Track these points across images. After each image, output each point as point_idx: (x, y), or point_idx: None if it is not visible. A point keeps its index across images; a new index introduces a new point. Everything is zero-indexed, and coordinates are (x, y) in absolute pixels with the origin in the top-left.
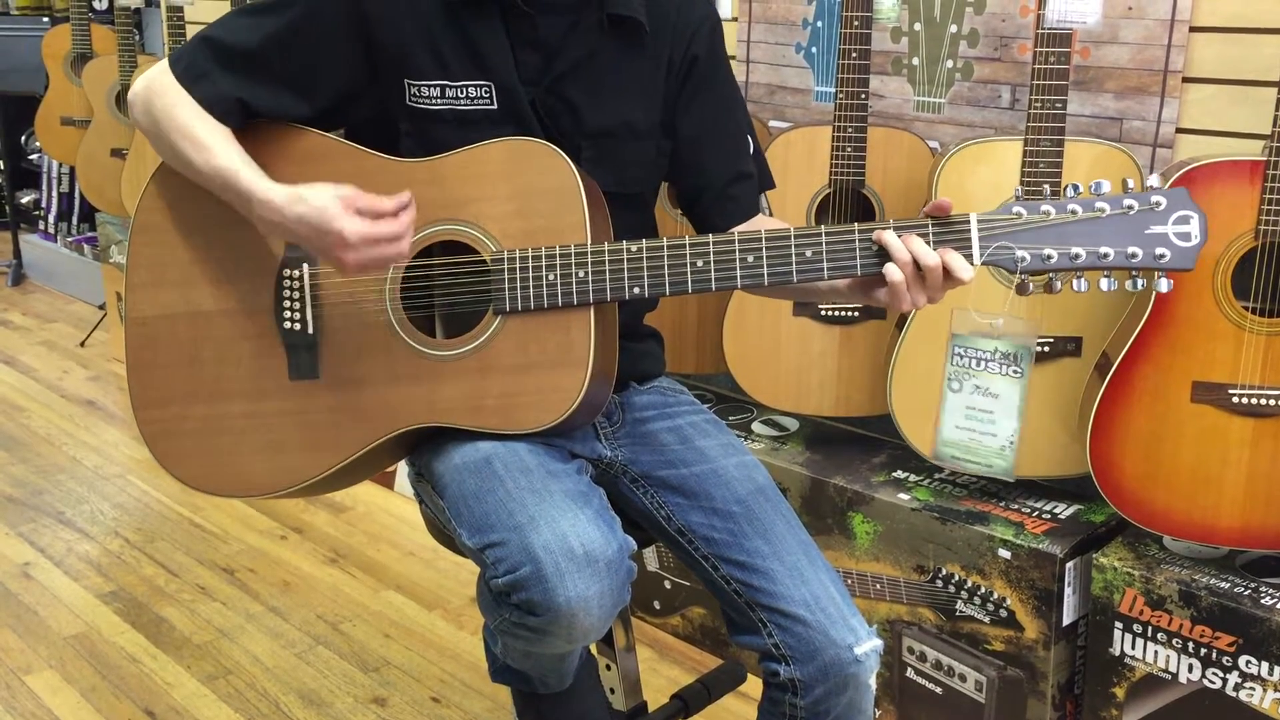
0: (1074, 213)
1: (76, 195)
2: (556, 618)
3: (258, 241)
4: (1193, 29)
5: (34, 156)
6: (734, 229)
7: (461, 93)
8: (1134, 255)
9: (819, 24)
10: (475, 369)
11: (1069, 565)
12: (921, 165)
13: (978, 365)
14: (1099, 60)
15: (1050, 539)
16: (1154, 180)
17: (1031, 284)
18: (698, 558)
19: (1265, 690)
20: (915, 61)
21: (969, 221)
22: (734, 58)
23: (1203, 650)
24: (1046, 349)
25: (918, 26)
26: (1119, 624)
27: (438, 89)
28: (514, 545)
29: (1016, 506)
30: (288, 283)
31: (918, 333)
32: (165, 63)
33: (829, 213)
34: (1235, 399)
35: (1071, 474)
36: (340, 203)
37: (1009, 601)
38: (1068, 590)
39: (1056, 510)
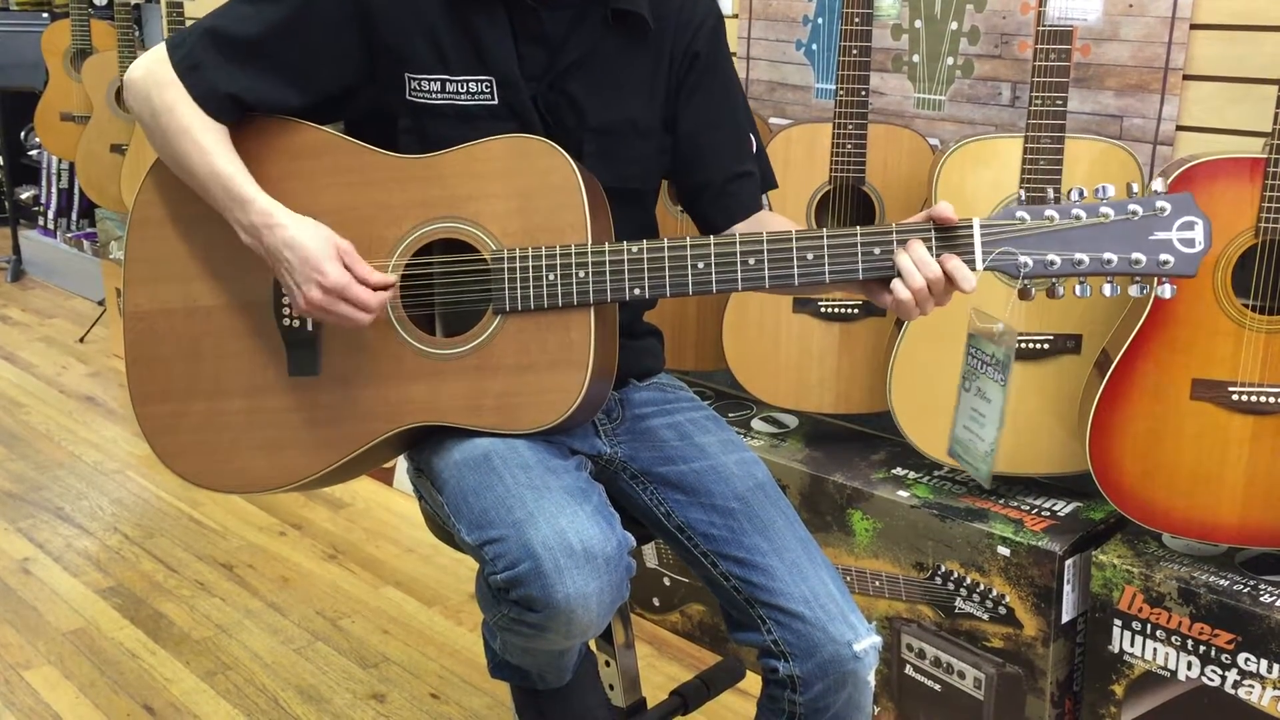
0: (1078, 218)
1: (76, 191)
2: (555, 614)
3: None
4: (1193, 26)
5: (33, 152)
6: (735, 227)
7: (462, 87)
8: (1137, 261)
9: (819, 21)
10: (475, 368)
11: (1068, 562)
12: (922, 162)
13: (982, 368)
14: (1099, 57)
15: (1049, 536)
16: (1158, 185)
17: (1034, 288)
18: (697, 554)
19: (1264, 688)
20: (916, 59)
21: (972, 226)
22: (734, 55)
23: (1202, 648)
24: (1046, 346)
25: (918, 24)
26: (1118, 621)
27: (438, 83)
28: (513, 541)
29: (1016, 504)
30: None
31: (918, 330)
32: (163, 49)
33: (829, 210)
34: (1235, 397)
35: (1071, 471)
36: (336, 249)
37: (1008, 599)
38: (1067, 587)
39: (1056, 507)
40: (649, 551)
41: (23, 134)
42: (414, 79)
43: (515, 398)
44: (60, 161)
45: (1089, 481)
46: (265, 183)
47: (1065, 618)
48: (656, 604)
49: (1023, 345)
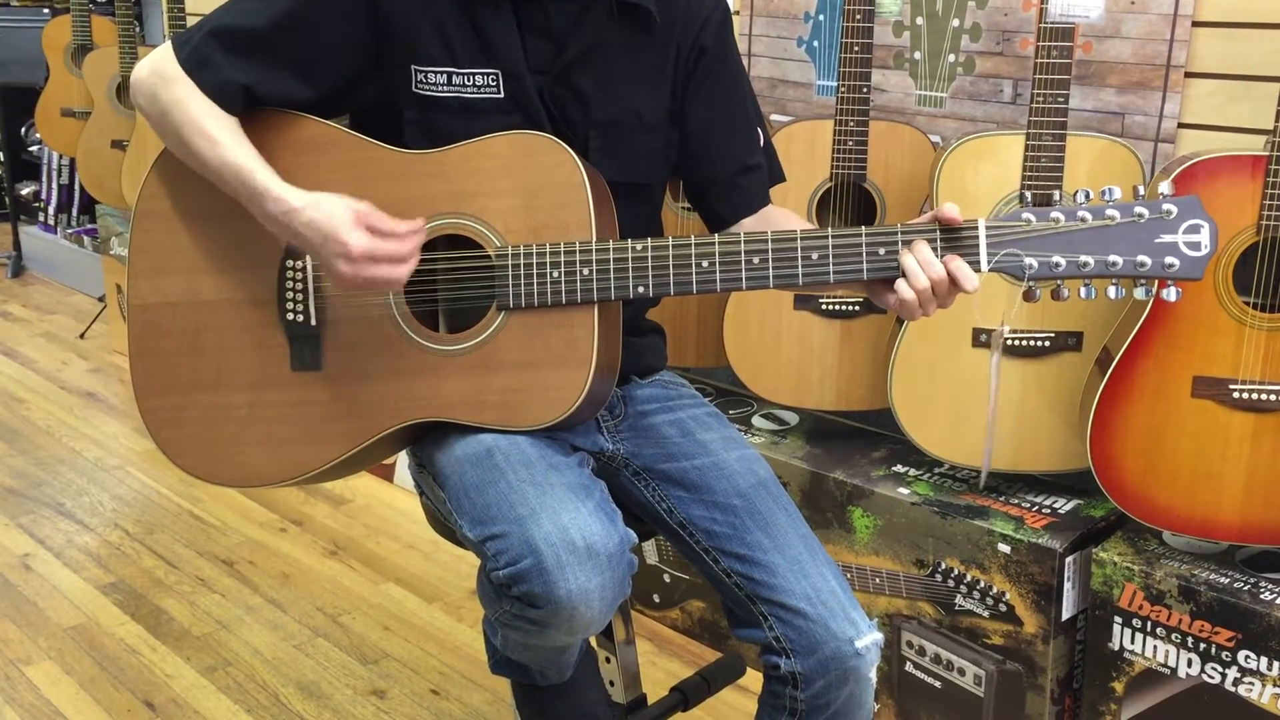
0: (1084, 220)
1: (76, 187)
2: (557, 610)
3: (261, 231)
4: (1195, 23)
5: (34, 148)
6: (743, 222)
7: (468, 80)
8: (1143, 264)
9: (821, 18)
10: (478, 364)
11: (1068, 560)
12: (923, 160)
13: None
14: (1101, 55)
15: (1050, 534)
16: (1165, 186)
17: (1038, 290)
18: (699, 551)
19: (1264, 685)
20: (917, 56)
21: (977, 228)
22: None
23: (1202, 645)
24: (1047, 344)
25: (920, 21)
26: (1118, 619)
27: (444, 76)
28: (515, 537)
29: (1016, 501)
30: (290, 273)
31: (918, 328)
32: (169, 47)
33: (830, 207)
34: (1236, 394)
35: (1071, 469)
36: (353, 215)
37: (1008, 596)
38: (1067, 585)
39: (1056, 505)
40: (649, 548)
41: (23, 129)
42: (420, 71)
43: (518, 394)
44: (61, 157)
45: (1089, 479)
46: None
47: (1065, 615)
48: (657, 600)
49: (1024, 343)
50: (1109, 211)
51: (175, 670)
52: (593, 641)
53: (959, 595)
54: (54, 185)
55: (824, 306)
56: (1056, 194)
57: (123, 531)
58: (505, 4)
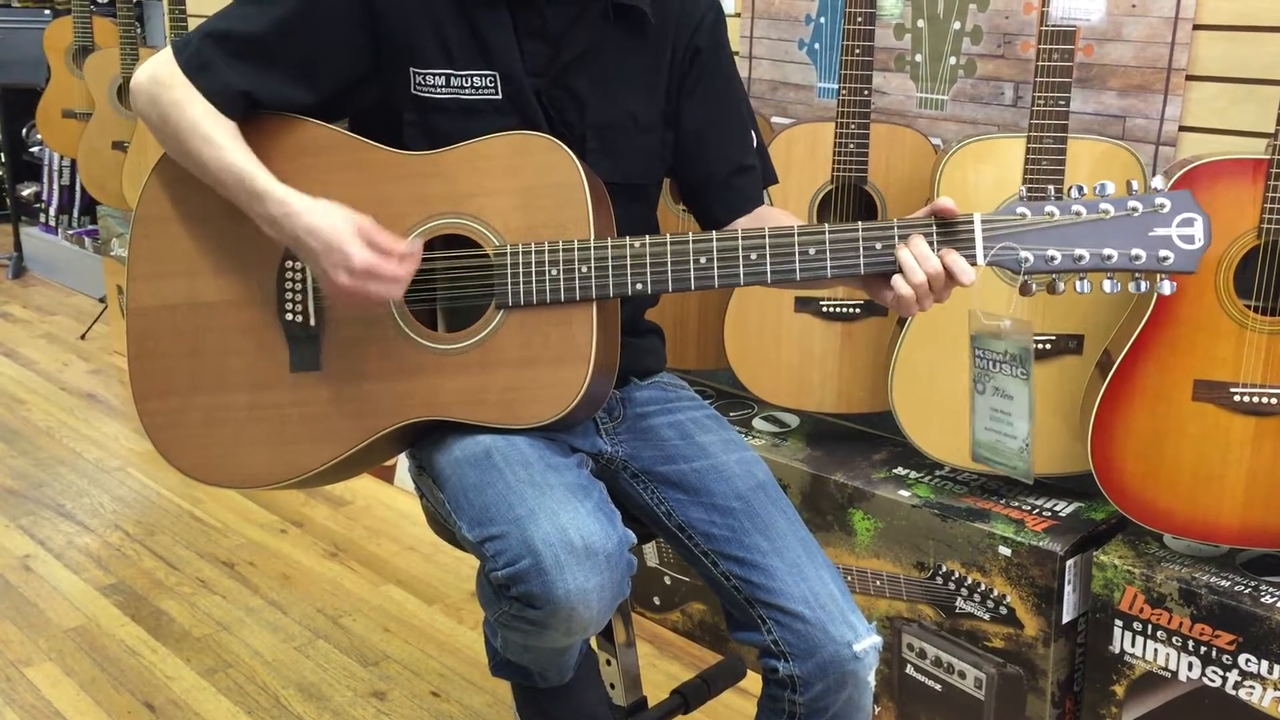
0: (1078, 214)
1: (77, 188)
2: (556, 610)
3: (260, 233)
4: (1196, 26)
5: (35, 149)
6: (737, 221)
7: (466, 82)
8: (1137, 257)
9: (822, 20)
10: (477, 363)
11: (1069, 563)
12: (924, 162)
13: (995, 367)
14: (1102, 58)
15: (1050, 536)
16: (1158, 182)
17: (1034, 284)
18: (697, 554)
19: (1265, 689)
20: (918, 58)
21: (973, 222)
22: (737, 53)
23: (1202, 648)
24: (1048, 346)
25: (921, 23)
26: (1119, 622)
27: (443, 78)
28: (514, 538)
29: (1017, 504)
30: (290, 274)
31: (919, 330)
32: (169, 52)
33: (831, 209)
34: (1237, 398)
35: (1072, 471)
36: (355, 228)
37: (1009, 599)
38: (1068, 588)
39: (1057, 508)
40: (649, 550)
41: (24, 131)
42: (419, 74)
43: (517, 392)
44: (62, 158)
45: (1090, 482)
46: None
47: (1066, 618)
48: (657, 603)
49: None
50: (1103, 205)
51: (175, 672)
52: (593, 644)
53: (959, 598)
54: (55, 186)
55: (825, 309)
56: (1051, 189)
57: (123, 533)
58: (501, 7)
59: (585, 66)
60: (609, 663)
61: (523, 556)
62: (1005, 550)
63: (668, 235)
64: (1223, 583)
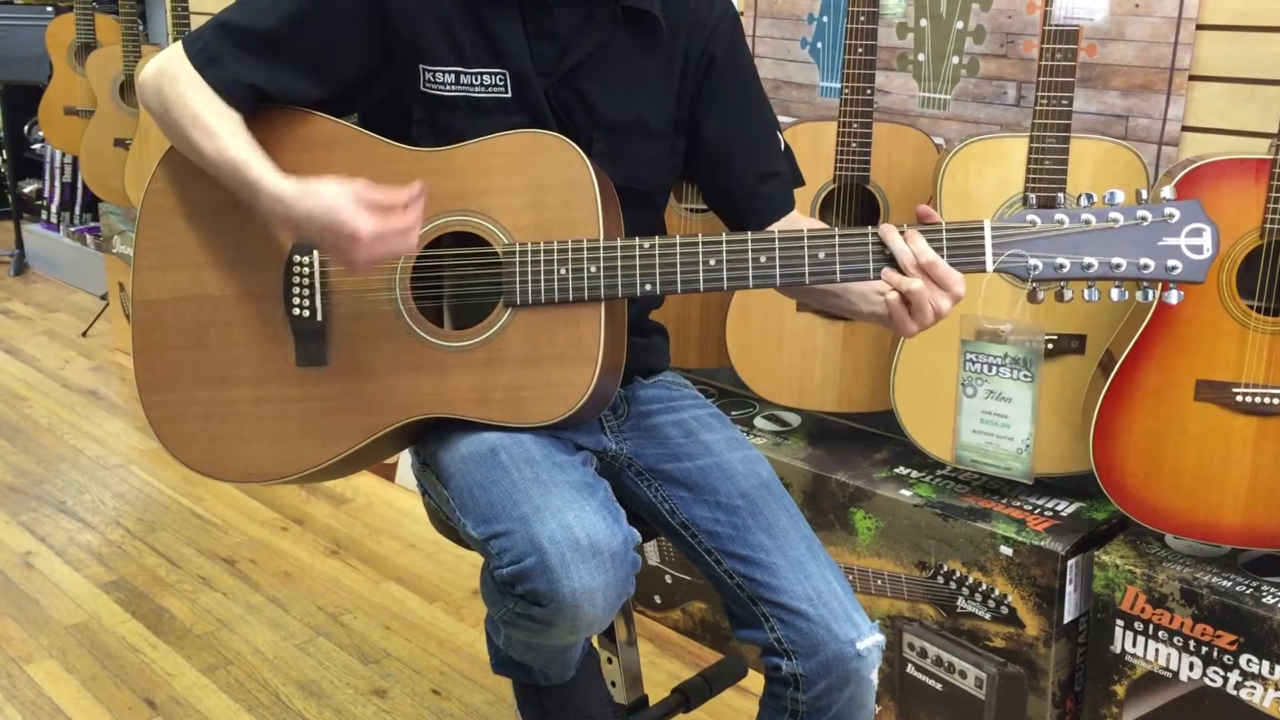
0: (1088, 222)
1: (79, 185)
2: (561, 608)
3: (266, 227)
4: (1199, 26)
5: (37, 146)
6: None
7: (476, 80)
8: (1146, 266)
9: (824, 19)
10: (484, 361)
11: (1070, 563)
12: (927, 161)
13: (989, 370)
14: (1105, 57)
15: (1052, 536)
16: (1168, 191)
17: (1042, 291)
18: (700, 552)
19: (1266, 689)
20: (921, 57)
21: (983, 228)
22: None
23: (1204, 649)
24: (1051, 346)
25: (924, 22)
26: (1120, 622)
27: (452, 75)
28: (519, 536)
29: (1019, 503)
30: (298, 269)
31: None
32: (179, 45)
33: (834, 209)
34: (1239, 398)
35: (1074, 471)
36: (351, 199)
37: (1010, 598)
38: (1069, 587)
39: (1059, 507)
40: (651, 549)
41: (26, 128)
42: (428, 70)
43: (524, 391)
44: (64, 155)
45: (1092, 481)
46: None
47: (1067, 618)
48: (658, 601)
49: (1027, 345)
50: (1112, 214)
51: (176, 669)
52: (594, 642)
53: (961, 597)
54: (57, 183)
55: None
56: (1060, 197)
57: (124, 530)
58: (511, 6)
59: (594, 68)
60: (610, 661)
61: (528, 554)
62: (1006, 550)
63: (677, 236)
64: (1224, 583)
